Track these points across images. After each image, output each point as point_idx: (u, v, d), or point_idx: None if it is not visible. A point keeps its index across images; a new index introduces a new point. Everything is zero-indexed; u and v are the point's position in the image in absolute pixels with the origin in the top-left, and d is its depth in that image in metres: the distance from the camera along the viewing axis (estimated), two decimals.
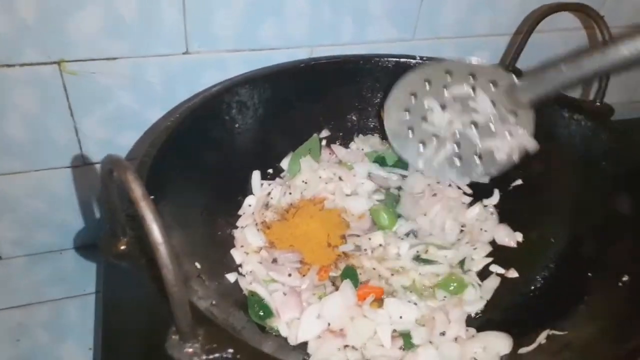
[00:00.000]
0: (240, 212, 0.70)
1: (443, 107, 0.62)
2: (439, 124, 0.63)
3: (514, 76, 0.59)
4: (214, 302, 0.50)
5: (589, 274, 0.55)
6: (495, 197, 0.72)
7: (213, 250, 0.61)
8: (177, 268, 0.32)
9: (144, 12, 0.69)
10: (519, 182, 0.70)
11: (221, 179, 0.65)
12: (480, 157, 0.62)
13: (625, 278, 0.50)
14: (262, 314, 0.57)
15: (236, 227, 0.68)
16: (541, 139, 0.64)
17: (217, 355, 0.36)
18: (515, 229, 0.68)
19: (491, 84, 0.60)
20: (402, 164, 0.75)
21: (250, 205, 0.71)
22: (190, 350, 0.36)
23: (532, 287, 0.61)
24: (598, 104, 0.62)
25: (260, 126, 0.69)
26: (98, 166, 0.78)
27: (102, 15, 0.67)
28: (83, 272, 0.83)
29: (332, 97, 0.76)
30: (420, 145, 0.65)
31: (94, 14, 0.66)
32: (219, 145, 0.65)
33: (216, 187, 0.64)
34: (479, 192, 0.73)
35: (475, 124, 0.62)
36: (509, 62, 0.71)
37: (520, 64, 0.77)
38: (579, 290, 0.54)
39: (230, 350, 0.36)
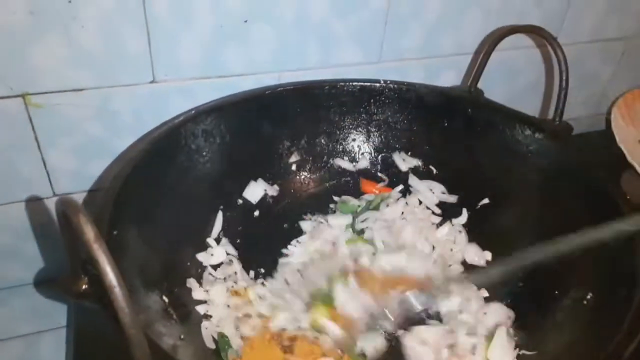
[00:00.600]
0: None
1: None
2: None
3: None
4: (181, 337, 0.50)
5: (556, 292, 0.56)
6: (464, 216, 0.73)
7: (180, 282, 0.60)
8: (133, 311, 0.32)
9: (108, 42, 0.69)
10: (485, 200, 0.71)
11: (188, 208, 0.64)
12: None
13: (589, 296, 0.50)
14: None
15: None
16: (505, 156, 0.65)
17: None
18: (484, 247, 0.69)
19: None
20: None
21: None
22: None
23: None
24: (557, 122, 0.64)
25: (228, 154, 0.69)
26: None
27: (65, 46, 0.66)
28: (56, 305, 0.82)
29: (300, 122, 0.76)
30: None
31: (55, 45, 0.65)
32: (184, 174, 0.64)
33: (184, 217, 0.64)
34: (447, 211, 0.74)
35: None
36: (470, 83, 0.73)
37: (482, 84, 0.79)
38: (546, 309, 0.54)
39: None
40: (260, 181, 0.76)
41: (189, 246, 0.66)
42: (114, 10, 0.66)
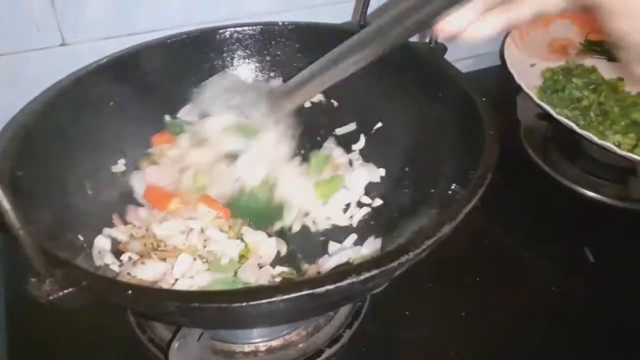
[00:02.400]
0: None
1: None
2: None
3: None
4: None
5: (432, 190, 0.63)
6: (361, 142, 0.79)
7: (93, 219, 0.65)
8: (18, 212, 0.37)
9: (12, 6, 0.71)
10: (379, 124, 0.78)
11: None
12: None
13: (453, 186, 0.58)
14: None
15: None
16: (390, 83, 0.72)
17: (72, 289, 0.40)
18: (378, 166, 0.76)
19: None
20: None
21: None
22: (48, 288, 0.40)
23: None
24: (433, 44, 0.70)
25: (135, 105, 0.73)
26: None
27: None
28: None
29: (206, 68, 0.80)
30: None
31: None
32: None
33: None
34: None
35: None
36: (359, 20, 0.78)
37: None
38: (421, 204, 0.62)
39: (84, 283, 0.41)
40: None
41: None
42: None
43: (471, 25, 0.46)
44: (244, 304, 0.39)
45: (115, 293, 0.41)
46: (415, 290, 0.69)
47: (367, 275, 0.41)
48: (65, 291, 0.40)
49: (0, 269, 0.74)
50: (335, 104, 0.82)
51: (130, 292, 0.40)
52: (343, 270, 0.42)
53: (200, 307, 0.40)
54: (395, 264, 0.42)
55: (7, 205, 0.37)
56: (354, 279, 0.41)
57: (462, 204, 0.47)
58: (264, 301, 0.40)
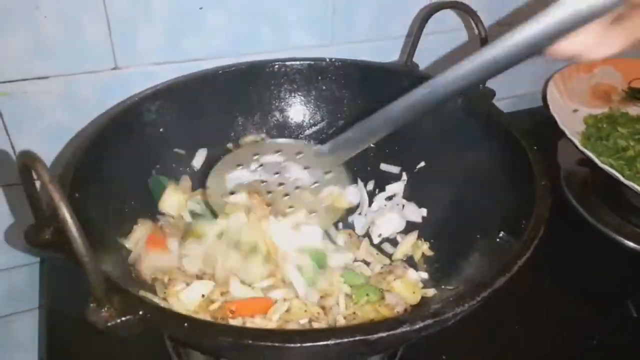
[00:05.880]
0: None
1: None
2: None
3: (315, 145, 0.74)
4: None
5: (477, 235, 0.63)
6: (403, 180, 0.80)
7: None
8: (85, 239, 0.38)
9: (69, 31, 0.73)
10: (422, 164, 0.78)
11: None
12: None
13: (501, 234, 0.57)
14: None
15: None
16: (437, 123, 0.72)
17: (129, 317, 0.41)
18: (420, 205, 0.76)
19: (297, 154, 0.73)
20: None
21: None
22: (106, 314, 0.41)
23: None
24: (481, 87, 0.70)
25: (182, 131, 0.75)
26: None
27: (28, 36, 0.71)
28: (30, 287, 0.85)
29: (253, 99, 0.82)
30: None
31: (19, 35, 0.70)
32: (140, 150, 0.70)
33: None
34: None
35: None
36: (405, 60, 0.79)
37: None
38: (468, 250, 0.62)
39: (141, 312, 0.41)
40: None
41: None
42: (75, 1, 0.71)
43: (592, 43, 0.42)
44: (299, 345, 0.39)
45: (172, 324, 0.41)
46: (452, 336, 0.68)
47: (422, 324, 0.41)
48: (123, 319, 0.41)
49: (43, 285, 0.75)
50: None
51: (186, 324, 0.40)
52: (397, 319, 0.41)
53: (253, 345, 0.40)
54: (449, 315, 0.42)
55: (75, 233, 0.38)
56: (408, 328, 0.41)
57: (517, 255, 0.47)
58: (318, 344, 0.40)
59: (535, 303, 0.76)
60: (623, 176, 0.78)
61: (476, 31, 0.72)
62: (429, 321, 0.41)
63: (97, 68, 0.79)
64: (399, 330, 0.41)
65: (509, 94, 1.16)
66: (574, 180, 0.96)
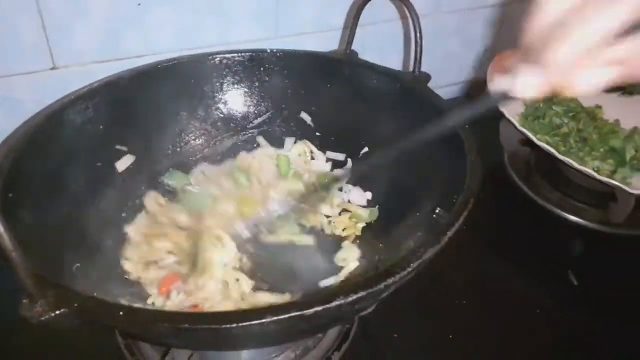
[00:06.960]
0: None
1: None
2: None
3: None
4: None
5: (417, 214, 0.65)
6: (348, 165, 0.81)
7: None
8: (11, 235, 0.37)
9: (3, 32, 0.72)
10: (365, 149, 0.80)
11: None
12: None
13: (437, 210, 0.59)
14: None
15: None
16: (375, 108, 0.74)
17: (64, 310, 0.41)
18: (365, 189, 0.78)
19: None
20: None
21: None
22: (40, 309, 0.41)
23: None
24: (416, 73, 0.72)
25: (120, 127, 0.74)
26: None
27: None
28: None
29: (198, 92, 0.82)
30: None
31: None
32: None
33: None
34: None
35: None
36: (345, 48, 0.81)
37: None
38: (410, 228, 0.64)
39: (76, 304, 0.41)
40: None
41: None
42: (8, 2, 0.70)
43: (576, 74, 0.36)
44: (234, 325, 0.40)
45: (107, 314, 0.41)
46: (402, 313, 0.70)
47: (355, 297, 0.42)
48: (57, 312, 0.41)
49: None
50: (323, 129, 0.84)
51: (121, 313, 0.40)
52: (331, 292, 0.42)
53: (190, 328, 0.40)
54: (381, 286, 0.43)
55: (1, 228, 0.37)
56: (342, 301, 0.42)
57: (446, 228, 0.48)
58: (254, 322, 0.40)
59: (482, 278, 0.79)
60: (558, 152, 0.81)
61: (410, 22, 0.74)
62: (362, 293, 0.42)
63: (34, 68, 0.78)
64: (333, 304, 0.42)
65: (452, 81, 1.20)
66: (517, 160, 1.00)
